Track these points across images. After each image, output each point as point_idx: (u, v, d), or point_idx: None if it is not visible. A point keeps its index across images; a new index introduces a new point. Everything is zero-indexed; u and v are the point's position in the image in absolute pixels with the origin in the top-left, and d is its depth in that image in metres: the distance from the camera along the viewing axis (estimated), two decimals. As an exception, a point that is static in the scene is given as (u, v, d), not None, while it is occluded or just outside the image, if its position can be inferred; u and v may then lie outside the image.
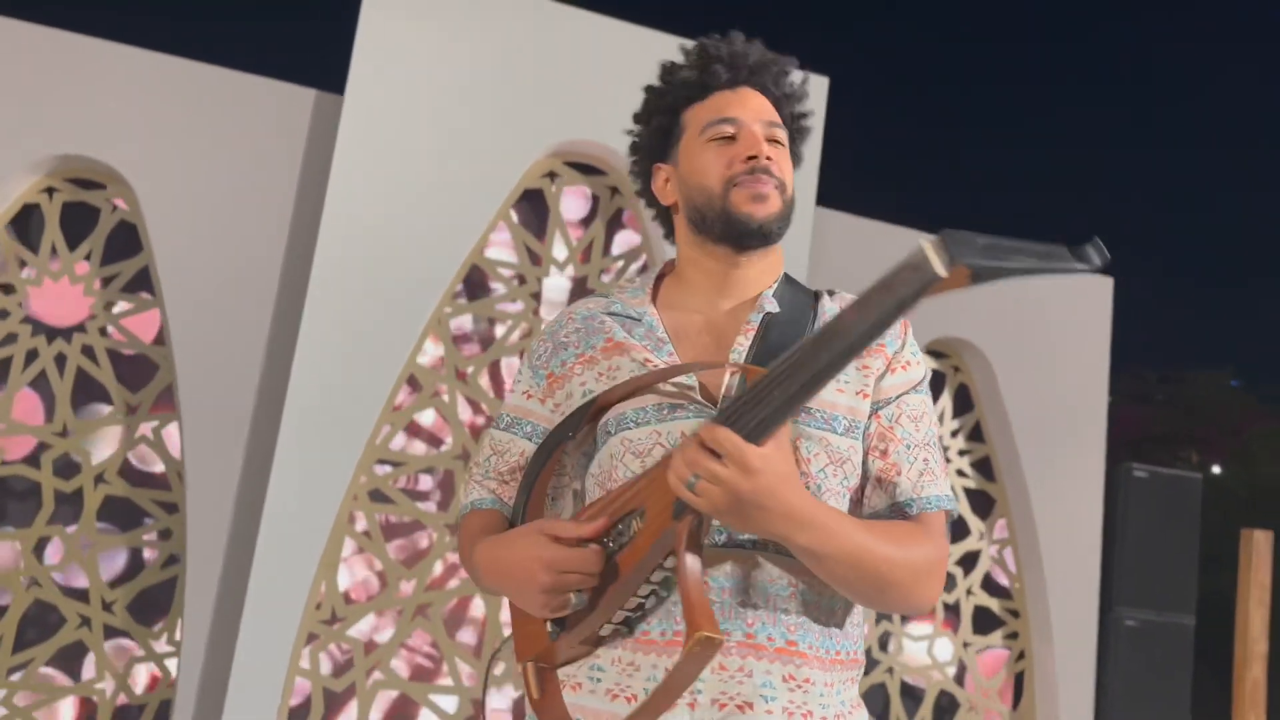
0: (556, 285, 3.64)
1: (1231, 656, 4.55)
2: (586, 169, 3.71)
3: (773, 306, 1.27)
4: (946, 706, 4.07)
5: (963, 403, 4.31)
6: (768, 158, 1.26)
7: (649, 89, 1.36)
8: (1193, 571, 4.37)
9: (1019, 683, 4.23)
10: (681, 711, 1.12)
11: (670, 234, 1.38)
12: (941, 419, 4.26)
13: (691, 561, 1.05)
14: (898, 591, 1.15)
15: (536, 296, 3.60)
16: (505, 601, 1.39)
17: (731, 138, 1.28)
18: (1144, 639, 4.27)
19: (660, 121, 1.33)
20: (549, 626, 1.18)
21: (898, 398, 1.23)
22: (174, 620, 3.24)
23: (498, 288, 3.56)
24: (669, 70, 1.34)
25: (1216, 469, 12.22)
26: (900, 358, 1.26)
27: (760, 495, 1.03)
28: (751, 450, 1.01)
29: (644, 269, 3.71)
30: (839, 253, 3.94)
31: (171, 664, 3.21)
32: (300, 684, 3.16)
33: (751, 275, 1.30)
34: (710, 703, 1.12)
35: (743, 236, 1.26)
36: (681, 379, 1.21)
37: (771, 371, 1.02)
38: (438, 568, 3.35)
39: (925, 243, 0.91)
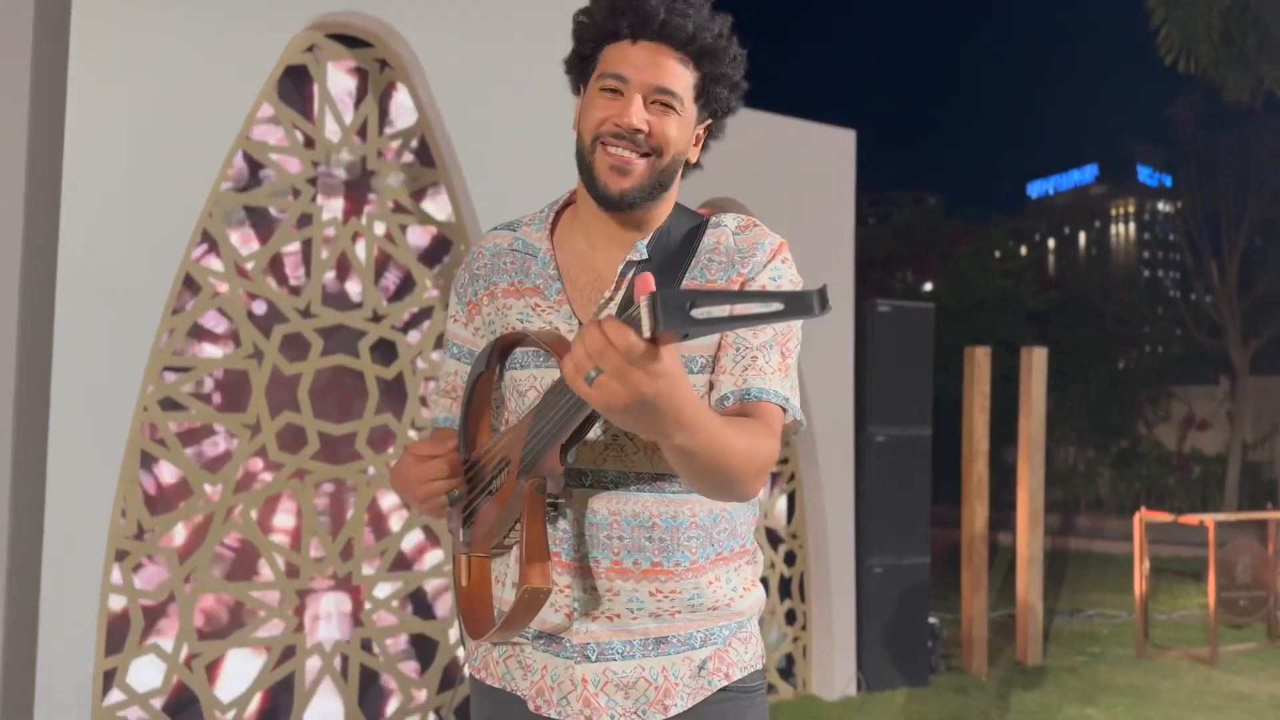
0: (333, 168, 3.52)
1: (959, 456, 5.31)
2: (351, 42, 3.54)
3: (639, 255, 1.32)
4: (731, 530, 4.53)
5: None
6: (638, 130, 1.27)
7: (579, 14, 1.34)
8: (928, 389, 5.02)
9: (791, 501, 4.76)
10: (560, 619, 1.28)
11: None
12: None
13: (531, 520, 1.17)
14: (739, 484, 1.18)
15: (313, 182, 3.47)
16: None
17: (619, 93, 1.28)
18: (891, 450, 4.91)
19: (580, 50, 1.34)
20: (461, 535, 1.36)
21: None
22: (-41, 557, 3.04)
23: (270, 175, 3.40)
24: (597, 3, 1.31)
25: (928, 286, 13.61)
26: (755, 282, 1.32)
27: (660, 398, 0.99)
28: (659, 352, 0.97)
29: (422, 147, 3.65)
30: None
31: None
32: (117, 601, 3.08)
33: (632, 221, 1.34)
34: (584, 614, 1.28)
35: (600, 201, 1.31)
36: (561, 329, 1.31)
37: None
38: (240, 470, 3.30)
39: (641, 302, 0.95)
